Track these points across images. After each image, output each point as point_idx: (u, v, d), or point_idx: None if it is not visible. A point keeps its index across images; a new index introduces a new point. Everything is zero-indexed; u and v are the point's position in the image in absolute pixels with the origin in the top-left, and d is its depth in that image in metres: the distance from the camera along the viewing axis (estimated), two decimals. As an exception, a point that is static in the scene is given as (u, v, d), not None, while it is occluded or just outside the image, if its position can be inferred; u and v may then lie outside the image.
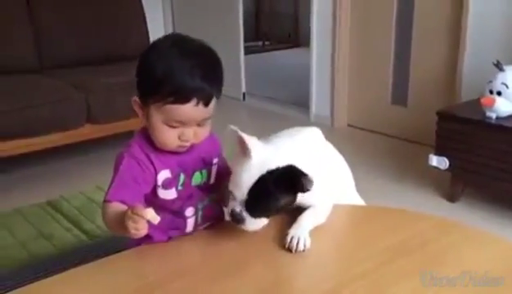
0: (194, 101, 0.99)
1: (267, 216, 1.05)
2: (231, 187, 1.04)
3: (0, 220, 2.25)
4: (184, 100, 0.99)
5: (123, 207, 0.97)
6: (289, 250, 1.02)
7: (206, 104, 1.01)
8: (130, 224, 0.90)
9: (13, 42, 3.10)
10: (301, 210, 1.11)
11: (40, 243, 2.04)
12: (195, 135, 1.04)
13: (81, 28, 3.33)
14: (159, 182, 1.06)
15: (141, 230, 0.91)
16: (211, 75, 1.03)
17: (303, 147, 1.11)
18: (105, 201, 1.02)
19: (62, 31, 3.27)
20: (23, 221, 2.23)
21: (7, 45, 3.07)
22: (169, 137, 1.03)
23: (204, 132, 1.06)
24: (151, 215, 0.90)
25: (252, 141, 1.03)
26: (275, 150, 1.05)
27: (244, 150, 1.03)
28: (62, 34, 3.26)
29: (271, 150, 1.04)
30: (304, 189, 1.00)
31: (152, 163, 1.05)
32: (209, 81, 1.01)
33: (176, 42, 1.05)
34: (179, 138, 1.03)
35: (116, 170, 1.05)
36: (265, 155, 1.03)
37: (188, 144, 1.05)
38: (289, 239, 1.03)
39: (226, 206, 1.11)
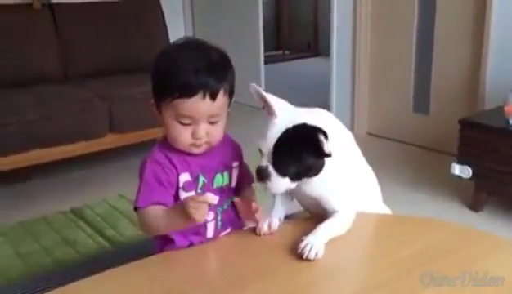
0: (200, 94, 1.01)
1: (292, 177, 1.04)
2: (259, 144, 1.05)
3: (25, 226, 2.30)
4: (190, 93, 1.01)
5: (162, 207, 1.03)
6: (301, 256, 1.01)
7: (213, 97, 1.02)
8: (193, 212, 0.95)
9: (39, 54, 3.18)
10: (322, 219, 1.11)
11: (64, 250, 2.07)
12: (208, 134, 1.05)
13: (104, 39, 3.40)
14: (181, 184, 1.08)
15: (204, 215, 0.97)
16: (217, 69, 1.04)
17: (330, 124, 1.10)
18: (137, 208, 1.05)
19: (86, 42, 3.34)
20: (47, 228, 2.27)
21: (33, 56, 3.15)
22: (182, 135, 1.04)
23: (217, 131, 1.07)
24: (211, 197, 0.96)
25: (275, 99, 1.07)
26: (300, 109, 1.08)
27: (268, 110, 1.06)
28: (86, 45, 3.34)
29: (297, 110, 1.08)
30: (328, 151, 1.00)
31: (174, 165, 1.07)
32: (215, 74, 1.03)
33: (185, 42, 1.09)
34: (192, 136, 1.05)
35: (141, 177, 1.07)
36: (290, 112, 1.06)
37: (201, 142, 1.06)
38: (302, 245, 1.02)
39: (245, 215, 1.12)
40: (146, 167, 1.07)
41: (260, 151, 1.05)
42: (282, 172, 1.03)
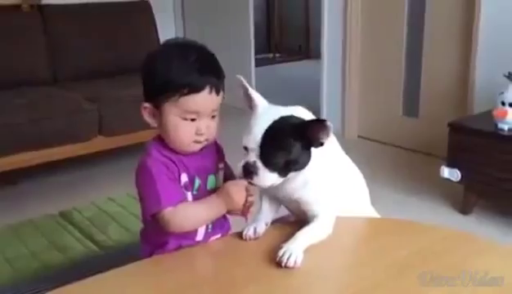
0: (207, 89, 1.05)
1: (280, 172, 1.03)
2: (243, 142, 1.05)
3: (13, 230, 2.26)
4: (198, 88, 1.04)
5: (192, 202, 1.07)
6: (280, 263, 0.99)
7: (217, 91, 1.07)
8: (251, 199, 1.06)
9: (27, 55, 3.15)
10: (302, 225, 1.10)
11: (52, 254, 2.05)
12: (207, 128, 1.07)
13: (94, 41, 3.38)
14: (181, 184, 1.08)
15: (243, 198, 1.07)
16: (216, 65, 1.10)
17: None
18: (162, 209, 1.04)
19: (75, 44, 3.32)
20: (35, 232, 2.24)
21: (22, 57, 3.12)
22: (185, 132, 1.06)
23: (215, 126, 1.10)
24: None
25: (257, 94, 1.09)
26: (279, 107, 1.10)
27: (249, 103, 1.09)
28: (75, 47, 3.32)
29: (277, 106, 1.10)
30: (319, 140, 1.01)
31: (175, 165, 1.07)
32: (216, 70, 1.08)
33: (176, 43, 1.13)
34: (195, 132, 1.06)
35: (148, 179, 1.05)
36: (272, 108, 1.08)
37: (203, 138, 1.07)
38: (280, 253, 1.00)
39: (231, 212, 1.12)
40: (151, 169, 1.05)
41: (245, 148, 1.05)
42: (270, 166, 1.02)
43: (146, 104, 1.09)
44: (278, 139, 1.02)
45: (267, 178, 1.03)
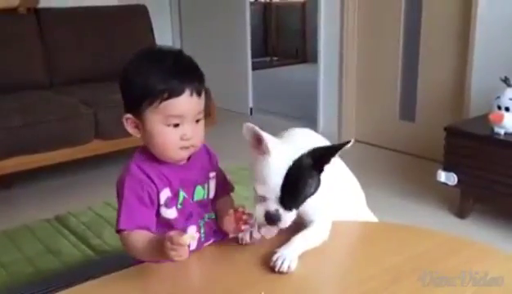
0: (188, 92, 1.02)
1: (298, 208, 1.03)
2: (260, 191, 1.02)
3: (8, 235, 2.25)
4: (179, 92, 1.02)
5: (146, 234, 1.00)
6: (273, 269, 0.99)
7: (199, 94, 1.05)
8: (172, 254, 0.92)
9: (24, 59, 3.14)
10: (298, 230, 1.09)
11: (47, 259, 2.04)
12: (193, 132, 1.05)
13: (90, 45, 3.37)
14: (162, 201, 1.06)
15: (184, 256, 0.93)
16: (196, 68, 1.07)
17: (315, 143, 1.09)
18: (120, 231, 1.02)
19: (72, 48, 3.31)
20: (31, 237, 2.24)
21: (18, 61, 3.11)
22: (170, 139, 1.03)
23: (201, 131, 1.07)
24: (190, 237, 0.93)
25: (269, 137, 1.02)
26: (292, 143, 1.05)
27: (260, 148, 1.02)
28: (72, 51, 3.31)
29: (288, 144, 1.04)
30: (329, 159, 1.01)
31: (153, 182, 1.05)
32: (196, 73, 1.06)
33: (151, 51, 1.13)
34: (180, 138, 1.04)
35: (120, 196, 1.04)
36: (284, 149, 1.02)
37: (189, 144, 1.05)
38: (274, 258, 1.00)
39: (228, 228, 1.09)
40: (125, 185, 1.03)
41: (261, 197, 1.02)
42: (292, 208, 1.02)
43: (128, 115, 1.07)
44: (301, 183, 1.00)
45: (290, 219, 1.03)
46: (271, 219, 1.01)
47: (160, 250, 0.94)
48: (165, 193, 1.06)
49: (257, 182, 1.02)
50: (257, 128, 1.01)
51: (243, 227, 1.06)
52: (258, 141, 1.02)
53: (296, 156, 1.00)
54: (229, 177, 1.22)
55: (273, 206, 1.01)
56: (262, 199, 1.02)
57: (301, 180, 1.00)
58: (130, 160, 1.08)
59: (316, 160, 1.01)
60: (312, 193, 1.03)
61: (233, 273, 1.04)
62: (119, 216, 1.03)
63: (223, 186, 1.18)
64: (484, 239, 2.02)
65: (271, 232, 1.11)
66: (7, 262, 2.02)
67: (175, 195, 1.07)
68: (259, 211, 1.02)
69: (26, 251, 2.11)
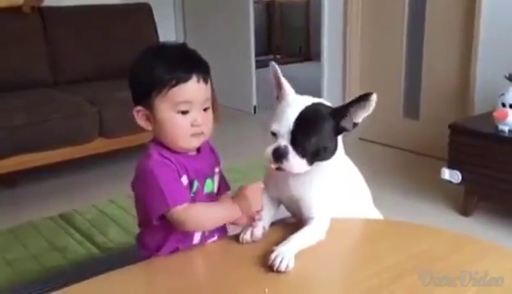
0: (195, 78, 1.05)
1: (308, 159, 1.04)
2: (273, 128, 1.05)
3: (13, 233, 2.27)
4: (186, 78, 1.04)
5: (207, 203, 1.09)
6: (271, 267, 0.99)
7: (205, 80, 1.08)
8: (254, 202, 1.08)
9: (28, 58, 3.15)
10: (298, 228, 1.10)
11: (53, 256, 2.05)
12: (202, 119, 1.07)
13: (94, 43, 3.38)
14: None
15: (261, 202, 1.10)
16: (199, 57, 1.10)
17: None
18: (171, 209, 1.02)
19: (75, 46, 3.32)
20: (36, 234, 2.25)
21: (22, 60, 3.12)
22: (182, 125, 1.05)
23: (209, 119, 1.10)
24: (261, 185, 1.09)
25: (287, 83, 1.12)
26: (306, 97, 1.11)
27: (279, 91, 1.11)
28: (75, 49, 3.32)
29: (304, 96, 1.11)
30: (348, 126, 1.06)
31: (176, 166, 1.06)
32: (200, 60, 1.10)
33: (156, 45, 1.18)
34: (191, 124, 1.06)
35: (152, 182, 1.03)
36: (300, 97, 1.10)
37: (200, 130, 1.07)
38: (273, 257, 0.99)
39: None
40: (153, 171, 1.03)
41: (274, 134, 1.05)
42: (302, 151, 1.03)
43: (139, 108, 1.09)
44: (312, 123, 1.03)
45: (297, 163, 1.03)
46: (279, 153, 1.02)
47: (243, 206, 1.07)
48: (184, 180, 1.07)
49: (273, 122, 1.06)
50: (278, 71, 1.11)
51: (256, 217, 1.09)
52: (279, 86, 1.11)
53: (314, 101, 1.07)
54: (233, 175, 1.22)
55: (283, 142, 1.03)
56: (274, 138, 1.04)
57: (315, 117, 1.03)
58: (147, 151, 1.08)
59: (334, 109, 1.06)
60: (326, 148, 1.05)
61: (237, 269, 1.05)
62: (162, 198, 1.02)
63: (224, 184, 1.20)
64: (488, 237, 2.01)
65: (258, 230, 1.11)
66: (13, 259, 2.03)
67: (190, 184, 1.09)
68: (269, 148, 1.04)
69: (31, 249, 2.12)
